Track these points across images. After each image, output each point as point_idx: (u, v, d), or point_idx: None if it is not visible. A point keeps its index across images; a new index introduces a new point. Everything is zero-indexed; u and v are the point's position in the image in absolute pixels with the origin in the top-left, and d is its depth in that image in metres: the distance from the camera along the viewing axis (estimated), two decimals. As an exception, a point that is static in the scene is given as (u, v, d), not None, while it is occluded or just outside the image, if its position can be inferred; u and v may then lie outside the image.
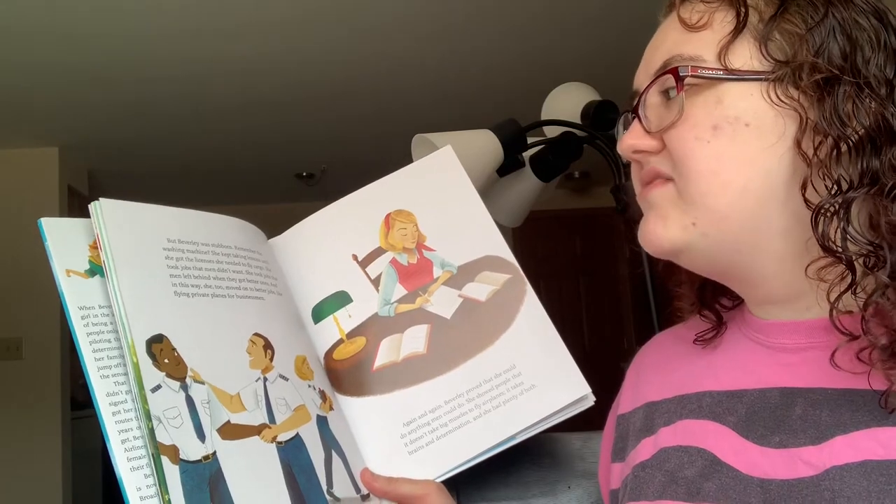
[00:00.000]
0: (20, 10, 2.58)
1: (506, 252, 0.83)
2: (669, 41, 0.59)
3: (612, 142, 1.31)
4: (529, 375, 0.77)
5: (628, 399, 0.71)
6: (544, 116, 1.44)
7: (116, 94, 3.35)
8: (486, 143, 1.26)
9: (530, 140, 1.33)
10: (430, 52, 3.14)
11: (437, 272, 0.83)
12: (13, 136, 3.86)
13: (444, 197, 0.86)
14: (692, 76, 0.55)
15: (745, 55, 0.55)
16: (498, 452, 0.76)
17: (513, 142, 1.27)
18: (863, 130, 0.51)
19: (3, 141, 3.91)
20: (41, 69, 3.05)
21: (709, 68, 0.55)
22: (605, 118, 1.32)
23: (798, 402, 0.55)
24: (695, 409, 0.61)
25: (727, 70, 0.54)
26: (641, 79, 0.61)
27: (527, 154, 1.38)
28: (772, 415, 0.56)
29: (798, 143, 0.52)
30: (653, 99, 0.59)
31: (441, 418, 0.76)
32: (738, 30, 0.55)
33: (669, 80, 0.56)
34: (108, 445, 0.60)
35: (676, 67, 0.56)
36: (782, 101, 0.53)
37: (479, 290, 0.81)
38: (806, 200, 0.51)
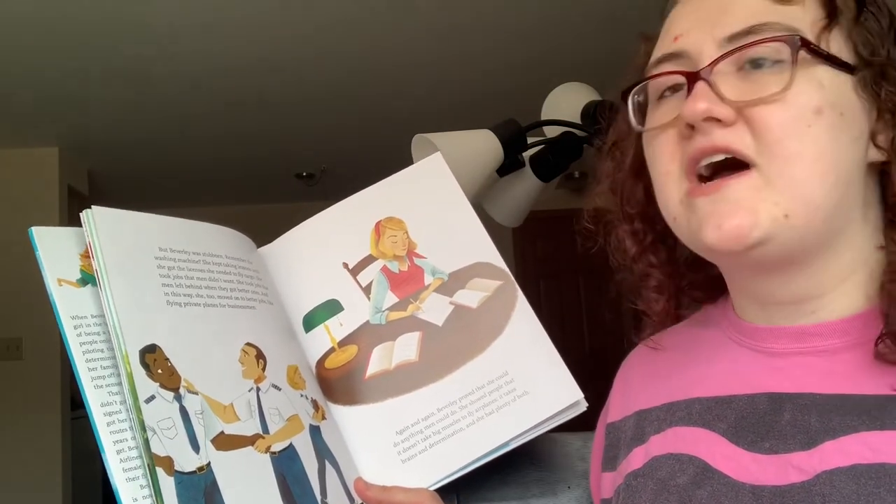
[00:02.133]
0: (20, 10, 2.58)
1: (496, 258, 0.83)
2: (751, 5, 0.53)
3: (612, 142, 1.31)
4: (522, 382, 0.77)
5: (617, 407, 0.71)
6: (544, 116, 1.43)
7: (116, 94, 3.35)
8: (486, 143, 1.25)
9: (530, 140, 1.33)
10: (431, 52, 3.14)
11: (428, 279, 0.83)
12: (13, 136, 3.85)
13: (434, 204, 0.86)
14: (811, 48, 0.51)
15: (838, 43, 0.54)
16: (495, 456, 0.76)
17: (513, 142, 1.27)
18: None
19: (3, 141, 3.91)
20: (41, 69, 3.05)
21: (819, 47, 0.52)
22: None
23: (786, 407, 0.55)
24: (684, 417, 0.61)
25: (830, 54, 0.52)
26: (702, 39, 0.54)
27: (527, 154, 1.38)
28: (761, 420, 0.55)
29: (873, 137, 0.53)
30: (726, 67, 0.53)
31: (434, 426, 0.76)
32: (833, 15, 0.53)
33: (765, 49, 0.52)
34: (103, 456, 0.60)
35: (791, 36, 0.51)
36: (868, 96, 0.53)
37: (471, 296, 0.81)
38: (891, 196, 0.53)
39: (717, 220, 0.52)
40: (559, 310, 5.47)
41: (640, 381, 0.69)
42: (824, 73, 0.52)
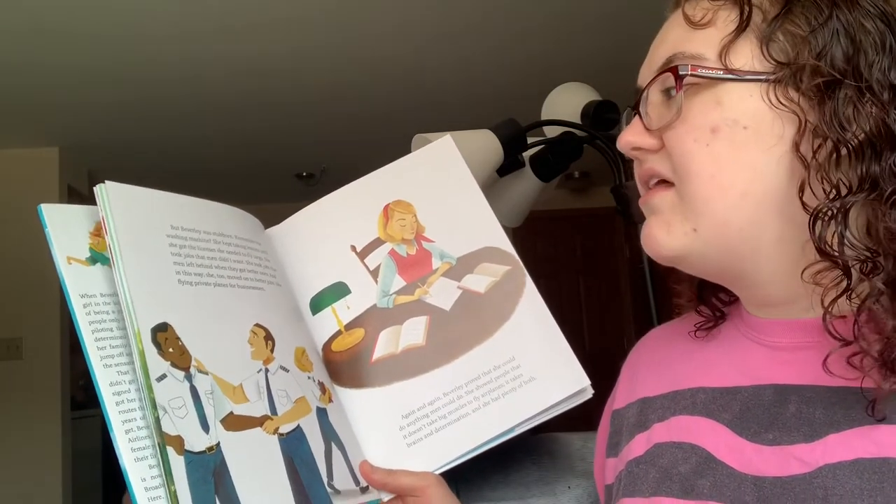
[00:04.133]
0: (20, 11, 2.58)
1: (505, 243, 0.82)
2: (673, 38, 0.58)
3: (613, 142, 1.31)
4: (529, 367, 0.77)
5: (623, 394, 0.71)
6: (544, 116, 1.43)
7: (116, 94, 3.35)
8: (486, 143, 1.25)
9: (530, 140, 1.33)
10: (431, 52, 3.14)
11: (436, 263, 0.82)
12: (13, 136, 3.85)
13: (443, 188, 0.85)
14: (692, 75, 0.54)
15: (747, 55, 0.54)
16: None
17: (513, 142, 1.27)
18: (863, 135, 0.50)
19: (3, 141, 3.91)
20: (41, 69, 3.05)
21: (709, 67, 0.54)
22: (605, 118, 1.32)
23: (792, 399, 0.55)
24: (688, 406, 0.61)
25: (727, 70, 0.54)
26: (645, 74, 0.60)
27: (527, 154, 1.38)
28: (766, 412, 0.56)
29: (797, 146, 0.52)
30: (654, 97, 0.58)
31: (440, 410, 0.76)
32: (741, 29, 0.54)
33: (670, 79, 0.56)
34: (112, 436, 0.59)
35: (676, 66, 0.55)
36: (781, 104, 0.52)
37: (479, 281, 0.81)
38: (803, 204, 0.51)
39: (645, 229, 0.59)
40: (559, 310, 5.43)
41: (647, 369, 0.69)
42: (724, 90, 0.54)
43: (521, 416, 0.75)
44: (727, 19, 0.55)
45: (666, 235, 0.57)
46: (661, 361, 0.68)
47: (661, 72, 0.57)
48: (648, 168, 0.59)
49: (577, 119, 1.36)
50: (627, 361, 0.74)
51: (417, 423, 0.75)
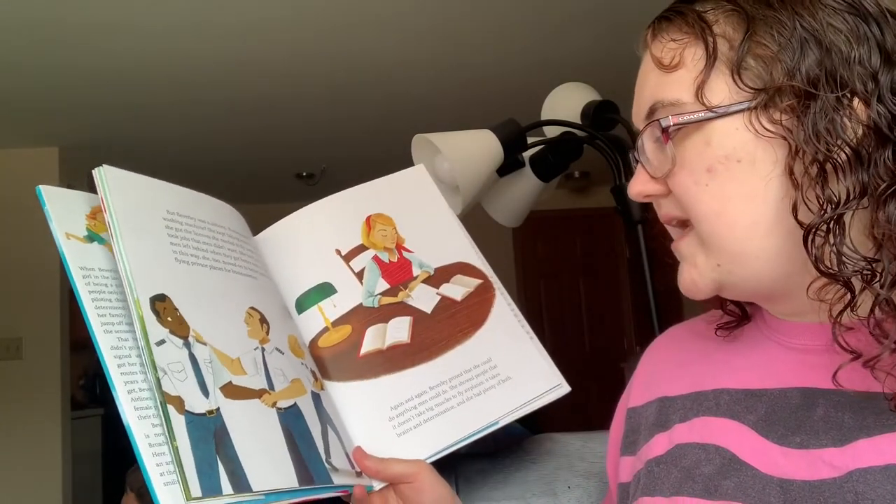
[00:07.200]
0: (20, 11, 2.58)
1: (476, 260, 0.88)
2: (650, 84, 0.58)
3: (613, 142, 1.31)
4: (504, 368, 0.82)
5: (639, 392, 0.71)
6: (544, 116, 1.43)
7: (116, 94, 3.35)
8: (486, 143, 1.25)
9: (530, 140, 1.33)
10: (431, 52, 3.14)
11: (416, 271, 0.87)
12: (13, 136, 3.85)
13: (419, 208, 0.91)
14: (675, 125, 0.55)
15: (723, 89, 0.54)
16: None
17: (513, 142, 1.27)
18: (847, 147, 0.50)
19: (3, 141, 3.91)
20: (41, 69, 3.05)
21: (689, 112, 0.54)
22: (605, 118, 1.32)
23: (820, 403, 0.55)
24: (712, 407, 0.61)
25: (707, 109, 0.54)
26: (635, 117, 0.61)
27: (527, 154, 1.38)
28: (792, 415, 0.55)
29: (790, 168, 0.51)
30: (648, 144, 0.58)
31: (427, 403, 0.79)
32: (710, 65, 0.54)
33: (657, 129, 0.56)
34: (114, 396, 0.61)
35: (659, 119, 0.55)
36: (767, 130, 0.52)
37: (455, 290, 0.86)
38: (799, 223, 0.51)
39: (679, 275, 0.61)
40: (559, 310, 5.47)
41: (666, 368, 0.69)
42: (711, 128, 0.54)
43: (500, 411, 0.80)
44: (695, 57, 0.55)
45: (698, 276, 0.58)
46: (681, 360, 0.68)
47: (647, 125, 0.57)
48: (665, 213, 0.60)
49: (577, 119, 1.36)
50: (643, 359, 0.74)
51: (406, 415, 0.78)
